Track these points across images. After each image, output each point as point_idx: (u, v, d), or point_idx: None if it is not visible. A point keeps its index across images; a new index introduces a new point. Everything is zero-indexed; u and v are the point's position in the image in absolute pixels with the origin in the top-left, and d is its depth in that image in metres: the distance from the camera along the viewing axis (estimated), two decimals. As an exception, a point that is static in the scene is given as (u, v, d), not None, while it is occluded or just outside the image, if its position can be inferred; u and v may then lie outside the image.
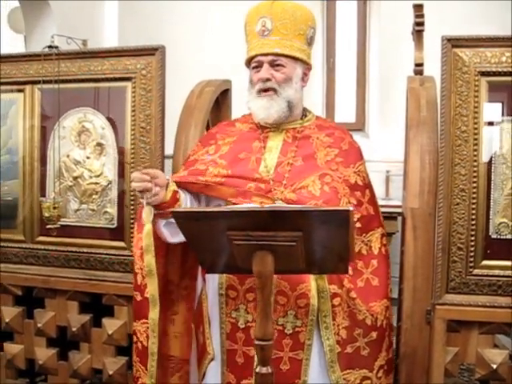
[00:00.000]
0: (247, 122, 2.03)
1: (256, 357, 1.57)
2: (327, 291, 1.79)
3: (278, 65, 1.89)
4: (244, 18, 1.99)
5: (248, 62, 1.97)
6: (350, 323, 1.83)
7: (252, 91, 1.93)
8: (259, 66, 1.91)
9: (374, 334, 1.87)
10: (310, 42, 1.96)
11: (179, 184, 1.89)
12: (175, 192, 1.82)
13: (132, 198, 2.43)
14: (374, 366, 1.89)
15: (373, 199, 1.98)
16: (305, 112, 2.03)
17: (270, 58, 1.88)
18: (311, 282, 1.78)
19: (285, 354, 1.80)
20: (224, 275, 1.82)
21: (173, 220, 1.69)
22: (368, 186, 1.99)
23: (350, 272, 1.82)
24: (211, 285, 1.89)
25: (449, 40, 2.11)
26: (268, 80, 1.88)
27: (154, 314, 1.87)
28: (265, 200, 1.84)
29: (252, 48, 1.93)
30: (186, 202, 1.89)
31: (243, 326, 1.82)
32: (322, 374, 1.83)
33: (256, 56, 1.91)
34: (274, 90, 1.89)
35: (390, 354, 1.97)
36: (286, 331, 1.80)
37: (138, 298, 1.90)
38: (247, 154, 1.94)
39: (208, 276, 1.91)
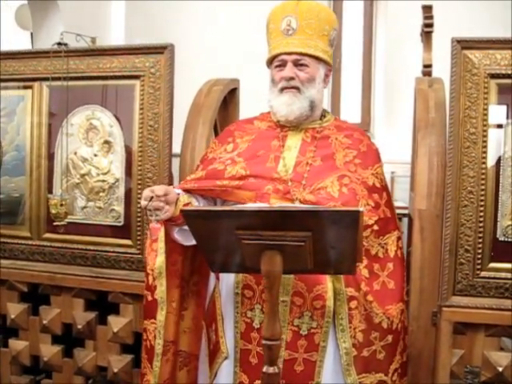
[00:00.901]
0: (265, 120, 2.02)
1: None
2: (343, 293, 1.78)
3: (301, 64, 1.87)
4: (267, 17, 1.97)
5: (270, 61, 1.95)
6: (366, 326, 1.81)
7: (274, 90, 1.91)
8: (282, 65, 1.89)
9: (390, 338, 1.85)
10: (332, 43, 1.95)
11: (194, 191, 1.89)
12: (186, 205, 1.81)
13: (139, 195, 2.40)
14: (389, 370, 1.87)
15: (389, 202, 1.96)
16: (323, 113, 2.02)
17: (294, 57, 1.86)
18: (328, 284, 1.77)
19: (299, 356, 1.79)
20: (240, 274, 1.80)
21: (185, 227, 1.68)
22: (385, 188, 1.97)
23: (367, 275, 1.82)
24: (225, 283, 1.88)
25: (459, 42, 2.10)
26: (292, 79, 1.86)
27: (161, 315, 1.86)
28: (283, 201, 1.82)
29: (276, 46, 1.90)
30: None
31: (258, 326, 1.79)
32: (335, 377, 1.82)
33: (280, 55, 1.89)
34: (297, 89, 1.87)
35: (404, 358, 1.96)
36: (301, 332, 1.78)
37: (149, 297, 1.89)
38: (265, 152, 1.92)
39: (222, 274, 1.90)
